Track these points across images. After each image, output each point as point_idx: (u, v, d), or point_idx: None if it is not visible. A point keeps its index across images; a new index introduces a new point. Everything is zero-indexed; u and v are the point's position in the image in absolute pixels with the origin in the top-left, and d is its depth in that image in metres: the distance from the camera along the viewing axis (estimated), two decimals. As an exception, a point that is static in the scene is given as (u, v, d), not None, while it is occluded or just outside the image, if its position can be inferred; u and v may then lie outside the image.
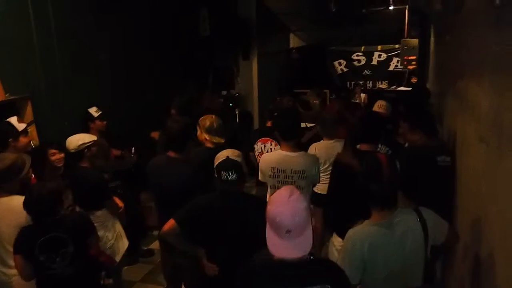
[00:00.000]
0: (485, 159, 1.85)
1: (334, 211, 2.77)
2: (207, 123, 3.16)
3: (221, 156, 2.29)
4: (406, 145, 3.42)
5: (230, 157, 2.26)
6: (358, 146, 2.87)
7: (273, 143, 3.70)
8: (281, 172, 2.94)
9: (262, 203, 2.40)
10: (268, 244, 1.51)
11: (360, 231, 1.84)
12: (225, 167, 2.21)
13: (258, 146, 3.78)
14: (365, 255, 1.78)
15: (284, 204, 1.47)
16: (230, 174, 2.19)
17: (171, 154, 2.86)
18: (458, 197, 2.47)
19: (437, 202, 2.06)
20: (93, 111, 3.95)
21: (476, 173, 2.02)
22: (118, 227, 3.24)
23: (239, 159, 2.30)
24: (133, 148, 4.05)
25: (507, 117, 1.53)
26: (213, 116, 3.25)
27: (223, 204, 2.27)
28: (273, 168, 2.96)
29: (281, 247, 1.48)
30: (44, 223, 2.26)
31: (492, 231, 1.74)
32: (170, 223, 2.27)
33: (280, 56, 8.96)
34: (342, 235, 2.65)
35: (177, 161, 2.83)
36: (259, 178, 3.13)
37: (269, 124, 3.87)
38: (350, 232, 1.87)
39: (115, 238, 3.16)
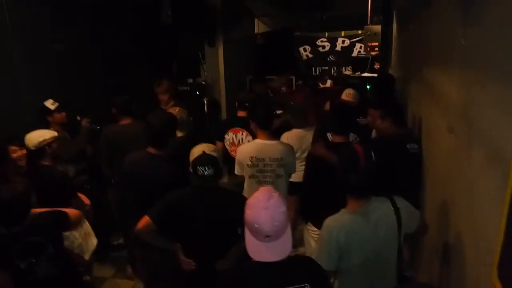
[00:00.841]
0: (454, 149, 1.92)
1: (310, 201, 2.81)
2: None
3: (197, 151, 2.25)
4: (374, 132, 3.51)
5: (206, 152, 2.23)
6: (330, 137, 2.91)
7: (245, 133, 3.67)
8: (260, 161, 2.95)
9: (240, 198, 2.40)
10: (247, 247, 1.50)
11: (337, 219, 1.89)
12: (202, 162, 2.18)
13: (229, 136, 3.74)
14: (341, 243, 1.83)
15: (263, 209, 1.46)
16: (207, 169, 2.16)
17: (151, 150, 2.74)
18: (427, 184, 2.57)
19: (409, 188, 2.13)
20: (49, 104, 3.72)
21: (445, 162, 2.10)
22: (86, 225, 3.13)
23: (215, 154, 2.28)
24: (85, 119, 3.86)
25: (476, 109, 1.59)
26: (177, 109, 3.20)
27: (200, 199, 2.25)
28: (252, 157, 2.96)
29: (260, 251, 1.48)
30: (16, 230, 2.12)
31: (460, 217, 1.83)
32: (145, 220, 2.23)
33: (246, 43, 8.87)
34: (317, 225, 2.71)
35: (158, 158, 2.73)
36: (236, 171, 3.11)
37: (240, 114, 3.83)
38: (327, 221, 1.91)
39: (82, 236, 3.06)
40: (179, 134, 3.19)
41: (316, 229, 2.75)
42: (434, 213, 2.22)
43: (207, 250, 2.27)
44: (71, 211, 2.49)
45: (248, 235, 1.52)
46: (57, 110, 3.75)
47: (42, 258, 2.16)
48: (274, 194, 1.51)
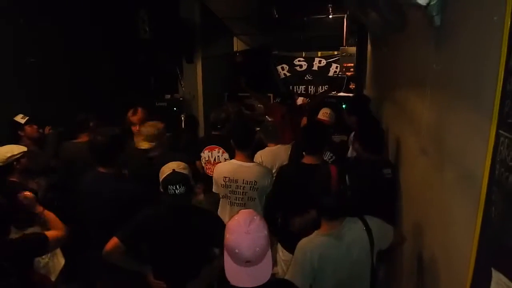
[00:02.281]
0: (426, 169, 1.97)
1: (280, 223, 2.78)
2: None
3: (167, 169, 2.20)
4: (350, 150, 3.56)
5: (176, 170, 2.18)
6: (304, 157, 2.91)
7: (221, 151, 3.65)
8: (233, 182, 2.91)
9: (212, 217, 2.37)
10: (226, 272, 1.47)
11: (310, 241, 1.88)
12: (172, 181, 2.13)
13: (205, 154, 3.72)
14: (315, 265, 1.82)
15: (243, 234, 1.43)
16: (178, 187, 2.11)
17: (101, 169, 2.63)
18: (401, 203, 2.61)
19: (383, 211, 2.15)
20: (19, 118, 3.65)
21: (418, 182, 2.15)
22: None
23: (186, 171, 2.24)
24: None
25: (446, 132, 1.64)
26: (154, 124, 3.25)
27: (171, 218, 2.20)
28: (225, 177, 2.93)
29: (240, 276, 1.45)
30: None
31: (434, 237, 1.86)
32: (113, 241, 2.15)
33: (224, 60, 8.93)
34: (287, 247, 2.69)
35: (109, 176, 2.63)
36: (213, 189, 3.07)
37: (215, 132, 3.81)
38: (301, 243, 1.90)
39: (49, 256, 2.92)
40: (145, 145, 3.17)
41: (287, 253, 2.72)
42: (408, 233, 2.25)
43: (178, 270, 2.22)
44: (52, 234, 2.31)
45: (227, 259, 1.48)
46: (28, 123, 3.65)
47: (3, 284, 2.02)
48: (255, 217, 1.49)
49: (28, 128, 3.65)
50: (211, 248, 2.35)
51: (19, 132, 3.61)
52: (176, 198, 2.13)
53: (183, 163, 2.37)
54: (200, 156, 3.74)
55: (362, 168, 2.67)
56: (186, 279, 2.22)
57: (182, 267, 2.22)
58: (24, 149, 2.95)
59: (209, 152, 3.71)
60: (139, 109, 3.78)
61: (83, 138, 3.54)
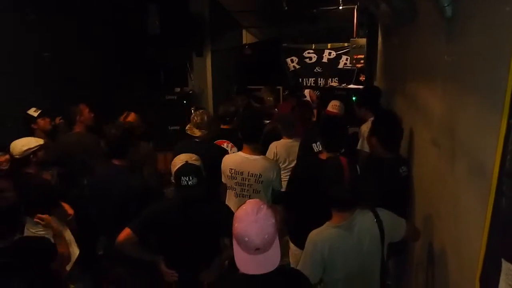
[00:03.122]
0: (438, 161, 1.96)
1: (293, 219, 2.79)
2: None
3: (179, 161, 2.24)
4: (360, 141, 3.55)
5: (189, 161, 2.22)
6: (315, 148, 2.90)
7: (230, 145, 3.67)
8: (239, 174, 2.94)
9: (224, 208, 2.40)
10: (235, 260, 1.50)
11: (321, 233, 1.90)
12: (185, 172, 2.17)
13: None
14: (325, 256, 1.84)
15: (252, 223, 1.45)
16: (190, 178, 2.15)
17: (116, 161, 2.71)
18: (413, 196, 2.61)
19: (397, 207, 2.16)
20: (32, 111, 3.71)
21: (429, 174, 2.15)
22: (68, 235, 3.07)
23: (198, 163, 2.27)
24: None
25: (458, 124, 1.64)
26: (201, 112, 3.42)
27: (183, 209, 2.23)
28: (231, 169, 2.95)
29: (249, 264, 1.48)
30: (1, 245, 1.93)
31: (444, 228, 1.87)
32: (126, 232, 2.20)
33: (233, 53, 8.92)
34: (298, 243, 2.70)
35: (123, 168, 2.71)
36: (222, 179, 3.11)
37: (224, 126, 3.83)
38: (312, 234, 1.92)
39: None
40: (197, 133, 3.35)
41: (295, 248, 2.73)
42: (419, 224, 2.25)
43: (190, 261, 2.26)
44: (61, 250, 2.32)
45: (236, 248, 1.51)
46: (41, 116, 3.72)
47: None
48: (262, 206, 1.51)
49: (41, 121, 3.72)
50: (221, 238, 2.38)
51: (32, 125, 3.67)
52: (189, 189, 2.17)
53: (195, 155, 2.41)
54: None
55: (380, 167, 2.61)
56: (198, 269, 2.26)
57: (194, 257, 2.25)
58: (41, 142, 3.01)
59: None
60: (132, 114, 3.77)
61: (78, 129, 3.65)
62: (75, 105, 3.75)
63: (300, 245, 2.56)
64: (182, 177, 2.15)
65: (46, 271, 2.15)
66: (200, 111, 3.50)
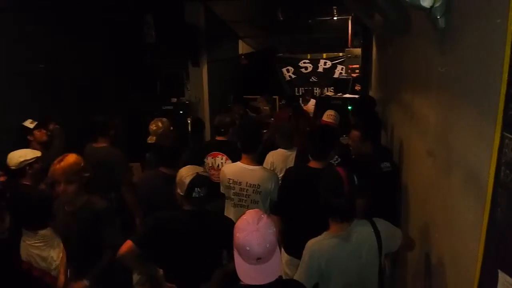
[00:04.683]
0: (433, 171, 1.97)
1: (285, 228, 2.78)
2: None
3: (186, 173, 2.19)
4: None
5: (200, 173, 2.20)
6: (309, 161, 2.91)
7: (224, 157, 3.63)
8: (237, 184, 2.92)
9: (225, 219, 2.38)
10: (237, 271, 1.49)
11: (319, 243, 1.89)
12: (198, 184, 2.14)
13: (209, 160, 3.71)
14: (322, 266, 1.84)
15: (253, 232, 1.45)
16: (202, 190, 2.14)
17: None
18: (407, 205, 2.61)
19: (385, 207, 2.16)
20: (28, 123, 3.70)
21: (424, 184, 2.15)
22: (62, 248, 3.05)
23: (207, 174, 2.29)
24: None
25: (453, 134, 1.65)
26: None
27: (186, 221, 2.20)
28: (229, 179, 2.94)
29: (251, 274, 1.47)
30: None
31: (440, 236, 1.87)
32: (127, 244, 2.16)
33: (229, 63, 8.97)
34: (291, 252, 2.69)
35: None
36: (221, 189, 3.09)
37: (219, 138, 3.81)
38: (309, 243, 1.91)
39: (61, 257, 2.97)
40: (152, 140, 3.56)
41: (288, 257, 2.70)
42: (415, 235, 2.25)
43: (191, 273, 2.23)
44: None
45: (237, 258, 1.50)
46: (37, 127, 3.70)
47: None
48: (263, 216, 1.52)
49: (37, 133, 3.70)
50: (222, 250, 2.36)
51: (28, 137, 3.65)
52: (200, 200, 2.16)
53: (200, 167, 2.40)
54: (204, 162, 3.74)
55: (360, 165, 2.62)
56: (198, 281, 2.23)
57: (195, 269, 2.23)
58: (38, 154, 3.01)
59: (212, 158, 3.69)
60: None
61: (103, 143, 3.52)
62: (101, 117, 3.62)
63: (293, 254, 2.56)
64: (196, 188, 2.13)
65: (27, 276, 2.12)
66: (156, 119, 3.72)
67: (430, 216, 2.04)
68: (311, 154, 2.67)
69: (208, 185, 2.19)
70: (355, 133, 2.94)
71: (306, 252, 1.90)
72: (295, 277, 1.88)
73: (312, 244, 1.90)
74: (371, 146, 2.83)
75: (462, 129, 1.53)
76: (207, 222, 2.23)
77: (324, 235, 1.90)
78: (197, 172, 2.19)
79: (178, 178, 2.21)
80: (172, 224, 2.22)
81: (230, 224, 2.26)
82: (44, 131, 3.75)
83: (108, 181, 3.34)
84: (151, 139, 3.70)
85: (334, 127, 3.92)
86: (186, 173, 2.21)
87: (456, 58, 1.61)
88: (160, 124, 3.76)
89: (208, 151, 3.72)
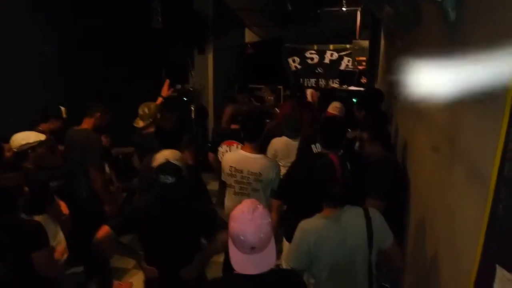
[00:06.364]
0: (436, 167, 1.96)
1: (286, 217, 2.79)
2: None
3: (161, 157, 2.24)
4: (357, 144, 3.55)
5: (170, 159, 2.22)
6: (314, 149, 2.91)
7: (239, 146, 3.66)
8: (238, 172, 2.94)
9: (201, 209, 2.38)
10: (231, 260, 1.50)
11: (310, 222, 1.97)
12: (164, 170, 2.17)
13: (223, 148, 3.73)
14: (311, 245, 1.90)
15: (248, 222, 1.46)
16: (169, 178, 2.15)
17: None
18: (410, 199, 2.60)
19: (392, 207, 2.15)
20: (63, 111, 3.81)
21: (428, 178, 2.14)
22: (60, 236, 3.01)
23: (179, 163, 2.26)
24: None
25: (458, 130, 1.64)
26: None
27: (159, 208, 2.22)
28: (231, 167, 2.96)
29: (245, 263, 1.48)
30: None
31: (440, 231, 1.87)
32: (104, 229, 2.19)
33: (235, 51, 8.92)
34: (288, 237, 2.70)
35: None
36: (222, 177, 3.11)
37: (234, 126, 3.82)
38: (301, 223, 1.99)
39: (55, 247, 2.96)
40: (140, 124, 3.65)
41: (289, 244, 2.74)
42: (416, 228, 2.25)
43: (170, 258, 2.26)
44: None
45: (232, 247, 1.51)
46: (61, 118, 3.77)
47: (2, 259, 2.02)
48: (258, 206, 1.52)
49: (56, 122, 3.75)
50: (199, 237, 2.39)
51: (52, 119, 3.73)
52: (166, 188, 2.16)
53: (179, 153, 2.41)
54: (217, 149, 3.75)
55: (386, 168, 2.68)
56: (178, 266, 2.26)
57: (174, 254, 2.26)
58: (42, 137, 2.98)
59: (227, 146, 3.71)
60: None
61: (85, 126, 3.50)
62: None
63: (290, 238, 2.59)
64: (161, 175, 2.15)
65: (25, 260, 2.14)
66: (143, 104, 3.73)
67: (432, 211, 2.04)
68: (324, 145, 2.67)
69: (177, 173, 2.17)
70: (363, 134, 2.91)
71: (297, 231, 1.98)
72: (287, 255, 1.94)
73: (303, 223, 1.97)
74: (381, 148, 2.76)
75: (466, 125, 1.52)
76: (176, 209, 2.22)
77: (316, 216, 1.97)
78: (167, 159, 2.19)
79: (153, 160, 2.25)
80: (147, 210, 2.24)
81: (205, 213, 2.29)
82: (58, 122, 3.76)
83: (82, 164, 3.33)
84: (137, 123, 3.68)
85: (342, 119, 3.93)
86: (159, 157, 2.23)
87: (466, 51, 1.59)
88: (146, 110, 3.67)
89: (223, 139, 3.75)
